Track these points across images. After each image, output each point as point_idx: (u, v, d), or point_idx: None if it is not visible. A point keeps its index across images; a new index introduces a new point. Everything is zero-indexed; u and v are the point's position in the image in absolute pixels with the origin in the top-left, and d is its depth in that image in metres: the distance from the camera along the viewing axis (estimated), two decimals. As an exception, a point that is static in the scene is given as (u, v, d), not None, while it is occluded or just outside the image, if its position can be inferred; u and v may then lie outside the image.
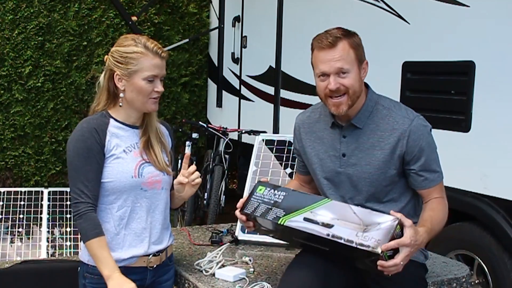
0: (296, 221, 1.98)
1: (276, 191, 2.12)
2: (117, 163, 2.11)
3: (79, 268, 2.19)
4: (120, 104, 2.16)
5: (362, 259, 1.94)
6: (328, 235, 1.90)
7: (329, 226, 1.92)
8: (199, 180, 2.23)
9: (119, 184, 2.10)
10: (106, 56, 2.19)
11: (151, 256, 2.17)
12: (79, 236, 4.65)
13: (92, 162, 2.07)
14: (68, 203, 4.86)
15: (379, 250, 1.81)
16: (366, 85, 2.21)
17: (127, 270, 2.10)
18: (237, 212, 2.15)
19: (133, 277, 2.11)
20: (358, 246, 1.85)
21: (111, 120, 2.16)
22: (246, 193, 3.09)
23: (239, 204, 2.17)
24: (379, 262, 1.85)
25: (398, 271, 1.86)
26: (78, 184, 2.06)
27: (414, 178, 2.15)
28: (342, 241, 1.88)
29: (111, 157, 2.10)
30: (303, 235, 1.99)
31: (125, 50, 2.11)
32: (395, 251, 1.86)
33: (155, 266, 2.19)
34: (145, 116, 2.21)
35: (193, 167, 2.23)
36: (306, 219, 1.97)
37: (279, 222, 2.01)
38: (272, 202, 2.08)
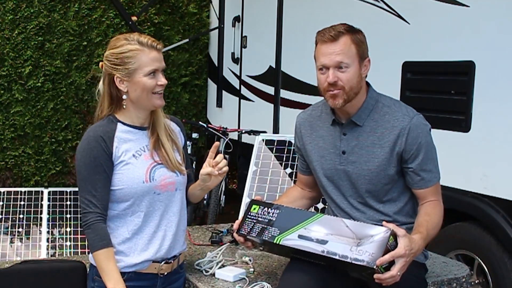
0: (291, 239, 2.01)
1: (269, 209, 2.14)
2: (127, 169, 2.05)
3: (88, 269, 2.17)
4: (124, 105, 2.10)
5: (359, 272, 1.95)
6: (323, 251, 1.93)
7: (323, 242, 1.95)
8: (226, 168, 2.15)
9: (131, 191, 2.05)
10: (101, 63, 2.14)
11: (163, 263, 2.12)
12: (79, 236, 4.66)
13: (99, 171, 2.02)
14: (68, 203, 4.86)
15: (374, 265, 1.83)
16: (367, 83, 2.21)
17: (137, 276, 2.08)
18: (235, 234, 2.19)
19: (143, 283, 2.10)
20: (353, 261, 1.87)
21: (119, 125, 2.10)
22: (245, 194, 3.09)
23: (235, 225, 2.20)
24: (376, 276, 1.85)
25: (396, 281, 1.86)
26: (86, 194, 2.03)
27: (411, 176, 2.15)
28: (337, 257, 1.90)
29: (120, 163, 2.05)
30: (300, 252, 2.01)
31: (120, 50, 2.05)
32: (391, 262, 1.87)
33: (166, 273, 2.14)
34: (152, 115, 2.16)
35: (220, 156, 2.17)
36: (300, 236, 2.00)
37: (274, 242, 2.04)
38: (267, 221, 2.11)
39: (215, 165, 2.15)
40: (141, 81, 2.05)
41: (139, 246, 2.08)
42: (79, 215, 4.79)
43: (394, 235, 1.89)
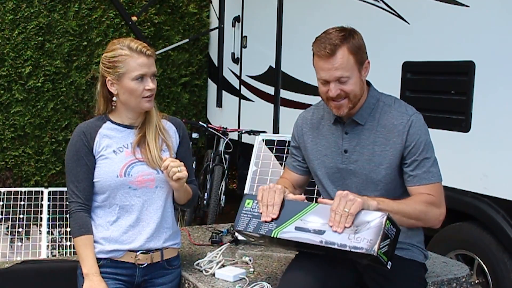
0: (288, 232, 2.00)
1: None
2: (105, 163, 2.18)
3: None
4: (113, 106, 2.23)
5: (360, 259, 1.95)
6: (321, 242, 1.92)
7: (320, 232, 1.94)
8: (179, 174, 2.13)
9: (105, 183, 2.17)
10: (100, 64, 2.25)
11: (139, 252, 2.19)
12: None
13: (81, 163, 2.18)
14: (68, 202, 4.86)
15: (374, 252, 1.83)
16: (368, 83, 2.22)
17: (114, 263, 2.19)
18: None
19: (121, 271, 2.19)
20: (352, 250, 1.87)
21: (107, 123, 2.23)
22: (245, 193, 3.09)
23: None
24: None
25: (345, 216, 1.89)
26: (70, 184, 2.21)
27: (406, 172, 2.14)
28: (335, 247, 1.90)
29: (100, 157, 2.19)
30: (298, 244, 2.01)
31: (112, 54, 2.17)
32: (391, 249, 1.87)
33: (145, 264, 2.21)
34: (145, 114, 2.25)
35: (169, 159, 2.15)
36: (297, 228, 1.99)
37: (272, 235, 2.03)
38: None
39: (163, 168, 2.16)
40: (128, 85, 2.15)
41: (114, 237, 2.18)
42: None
43: (390, 219, 1.88)
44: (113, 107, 2.23)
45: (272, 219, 2.04)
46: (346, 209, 1.89)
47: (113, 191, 2.17)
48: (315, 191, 2.88)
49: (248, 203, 2.15)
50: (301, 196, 2.14)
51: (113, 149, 2.20)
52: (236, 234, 2.76)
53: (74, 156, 2.20)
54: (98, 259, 2.18)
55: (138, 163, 2.19)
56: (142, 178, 2.18)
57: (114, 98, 2.21)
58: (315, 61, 2.12)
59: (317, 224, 1.96)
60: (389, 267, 1.88)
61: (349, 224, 1.88)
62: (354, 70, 2.09)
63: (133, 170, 2.18)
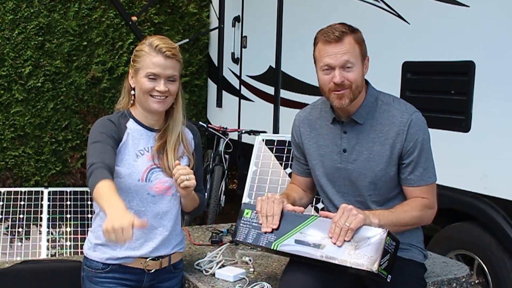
0: (288, 245, 2.00)
1: None
2: (128, 163, 2.09)
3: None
4: (132, 101, 2.18)
5: (360, 274, 1.95)
6: (321, 256, 1.93)
7: (321, 246, 1.94)
8: (187, 182, 2.04)
9: (125, 185, 2.08)
10: None
11: (149, 259, 2.15)
12: (79, 236, 4.66)
13: (110, 143, 2.03)
14: (68, 203, 4.86)
15: (375, 269, 1.83)
16: (366, 82, 2.22)
17: (122, 268, 2.13)
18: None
19: (129, 277, 2.14)
20: (353, 266, 1.87)
21: (130, 120, 2.16)
22: (245, 194, 3.09)
23: None
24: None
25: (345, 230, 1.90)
26: (95, 153, 1.98)
27: (403, 172, 2.14)
28: (336, 262, 1.90)
29: (122, 156, 2.08)
30: (298, 257, 2.00)
31: (137, 49, 2.16)
32: (390, 264, 1.88)
33: (153, 270, 2.17)
34: (168, 120, 2.19)
35: (179, 166, 2.07)
36: (297, 241, 1.99)
37: (272, 248, 2.03)
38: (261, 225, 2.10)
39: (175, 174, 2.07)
40: (140, 81, 2.11)
41: (125, 244, 2.09)
42: (79, 215, 4.79)
43: (390, 234, 1.89)
44: (132, 101, 2.17)
45: (273, 230, 2.04)
46: (347, 223, 1.90)
47: (130, 195, 2.09)
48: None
49: (247, 213, 2.14)
50: (300, 208, 2.13)
51: (135, 151, 2.12)
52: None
53: (103, 130, 2.04)
54: (107, 264, 2.11)
55: (157, 169, 2.13)
56: (161, 186, 2.12)
57: (132, 92, 2.16)
58: (320, 49, 2.11)
59: (317, 238, 1.96)
60: (389, 280, 1.89)
61: (348, 238, 1.90)
62: (359, 60, 2.10)
63: (153, 176, 2.11)
